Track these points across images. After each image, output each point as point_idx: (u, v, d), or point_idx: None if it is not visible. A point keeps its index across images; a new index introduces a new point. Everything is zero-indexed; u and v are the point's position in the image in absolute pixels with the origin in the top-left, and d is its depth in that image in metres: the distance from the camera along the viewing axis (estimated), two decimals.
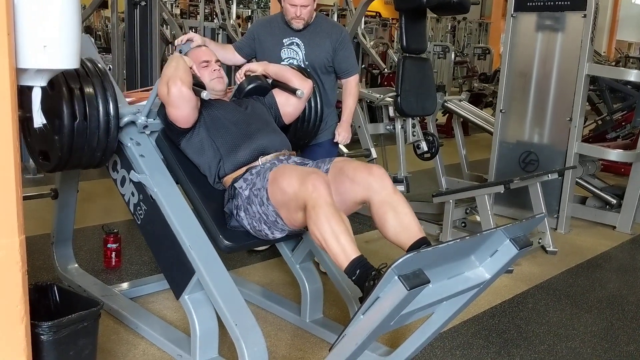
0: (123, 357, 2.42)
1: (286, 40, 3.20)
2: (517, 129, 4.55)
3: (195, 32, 7.66)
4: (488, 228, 3.52)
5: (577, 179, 4.57)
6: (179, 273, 2.32)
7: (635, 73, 4.23)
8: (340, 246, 1.92)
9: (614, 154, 4.35)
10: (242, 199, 2.27)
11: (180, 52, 3.08)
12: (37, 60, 1.67)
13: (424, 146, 4.40)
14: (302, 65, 3.17)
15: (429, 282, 1.63)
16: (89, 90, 2.21)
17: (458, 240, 1.72)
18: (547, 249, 3.90)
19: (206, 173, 2.45)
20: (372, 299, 1.66)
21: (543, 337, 2.77)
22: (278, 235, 2.31)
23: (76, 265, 3.14)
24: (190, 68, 2.44)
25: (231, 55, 3.33)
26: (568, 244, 4.10)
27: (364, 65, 8.57)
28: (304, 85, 2.66)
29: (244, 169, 2.36)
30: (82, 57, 2.29)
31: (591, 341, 2.76)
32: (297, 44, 3.19)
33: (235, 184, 2.31)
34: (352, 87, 3.30)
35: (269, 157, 2.39)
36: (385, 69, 8.51)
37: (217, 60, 2.65)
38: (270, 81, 2.74)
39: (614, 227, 4.52)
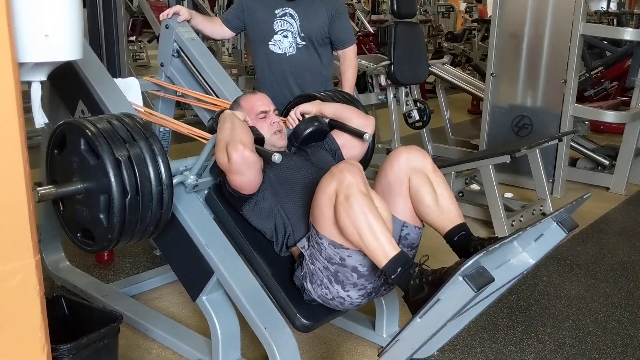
0: None
1: (279, 10, 2.98)
2: (509, 93, 4.44)
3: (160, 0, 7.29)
4: (493, 198, 3.44)
5: None
6: (195, 273, 2.14)
7: (631, 32, 4.15)
8: (379, 243, 1.75)
9: (609, 115, 4.29)
10: (306, 262, 1.99)
11: (167, 27, 2.86)
12: (39, 52, 1.45)
13: (415, 115, 4.27)
14: (298, 38, 2.97)
15: (493, 280, 1.51)
16: (138, 158, 1.82)
17: (521, 233, 1.60)
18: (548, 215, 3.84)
19: (272, 239, 2.11)
20: (433, 303, 1.53)
21: (566, 312, 2.71)
22: (355, 294, 1.95)
23: (67, 263, 2.93)
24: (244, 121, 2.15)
25: (219, 29, 3.11)
26: None
27: None
28: (367, 125, 2.34)
29: None
30: (118, 113, 1.98)
31: (614, 313, 2.71)
32: (291, 15, 2.97)
33: (299, 247, 2.03)
34: (351, 58, 3.11)
35: None
36: (359, 32, 8.31)
37: (275, 109, 2.31)
38: (327, 121, 2.41)
39: (607, 189, 4.50)
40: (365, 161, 2.53)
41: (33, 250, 1.40)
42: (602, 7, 14.89)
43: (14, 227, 1.35)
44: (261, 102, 2.27)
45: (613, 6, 14.05)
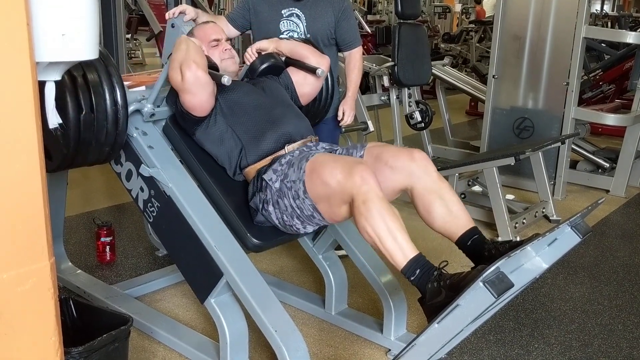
0: None
1: (285, 11, 2.95)
2: (510, 95, 4.43)
3: None
4: (497, 201, 3.43)
5: None
6: (204, 275, 2.12)
7: (634, 35, 4.16)
8: (398, 244, 1.74)
9: (611, 118, 4.29)
10: (272, 192, 2.05)
11: (173, 26, 2.83)
12: (55, 52, 1.43)
13: (417, 116, 4.26)
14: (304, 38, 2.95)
15: (513, 285, 1.50)
16: (93, 77, 1.93)
17: (541, 238, 1.59)
18: (550, 218, 3.85)
19: (225, 164, 2.23)
20: (451, 308, 1.51)
21: (572, 315, 2.71)
22: (310, 229, 2.11)
23: (70, 264, 2.90)
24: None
25: (224, 28, 3.07)
26: (567, 211, 4.06)
27: None
28: (321, 63, 2.44)
29: (269, 158, 2.15)
30: None
31: (619, 316, 2.71)
32: (298, 15, 2.95)
33: (263, 176, 2.08)
34: (356, 60, 3.09)
35: (295, 145, 2.18)
36: None
37: (228, 39, 2.41)
38: (283, 59, 2.50)
39: (607, 191, 4.51)
40: (324, 104, 2.68)
41: (48, 253, 1.38)
42: (596, 10, 14.95)
43: (29, 229, 1.33)
44: (213, 30, 2.38)
45: (607, 8, 14.10)
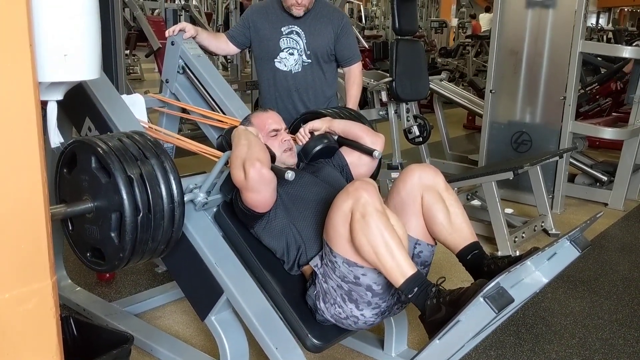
0: None
1: (285, 29, 2.98)
2: (508, 109, 4.46)
3: (157, 15, 7.30)
4: (496, 215, 3.44)
5: None
6: (204, 292, 2.12)
7: (630, 50, 4.20)
8: (395, 262, 1.74)
9: (608, 132, 4.32)
10: (319, 281, 1.96)
11: (173, 43, 2.86)
12: (58, 72, 1.44)
13: (415, 131, 4.28)
14: (304, 55, 2.97)
15: (513, 300, 1.51)
16: (150, 175, 1.80)
17: (540, 253, 1.60)
18: (549, 232, 3.86)
19: (283, 258, 2.09)
20: (452, 324, 1.52)
21: (572, 330, 2.71)
22: (369, 314, 1.92)
23: (69, 281, 2.90)
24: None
25: (224, 45, 3.10)
26: (566, 225, 4.07)
27: None
28: (376, 142, 2.33)
29: None
30: (127, 131, 1.97)
31: (620, 330, 2.71)
32: (297, 33, 2.98)
33: (310, 263, 2.01)
34: (356, 75, 3.12)
35: None
36: None
37: (286, 128, 2.32)
38: (336, 138, 2.40)
39: (606, 204, 4.52)
40: (372, 178, 2.53)
41: (50, 272, 1.38)
42: (592, 23, 15.02)
43: (32, 249, 1.34)
44: (272, 119, 2.27)
45: (602, 22, 14.20)
